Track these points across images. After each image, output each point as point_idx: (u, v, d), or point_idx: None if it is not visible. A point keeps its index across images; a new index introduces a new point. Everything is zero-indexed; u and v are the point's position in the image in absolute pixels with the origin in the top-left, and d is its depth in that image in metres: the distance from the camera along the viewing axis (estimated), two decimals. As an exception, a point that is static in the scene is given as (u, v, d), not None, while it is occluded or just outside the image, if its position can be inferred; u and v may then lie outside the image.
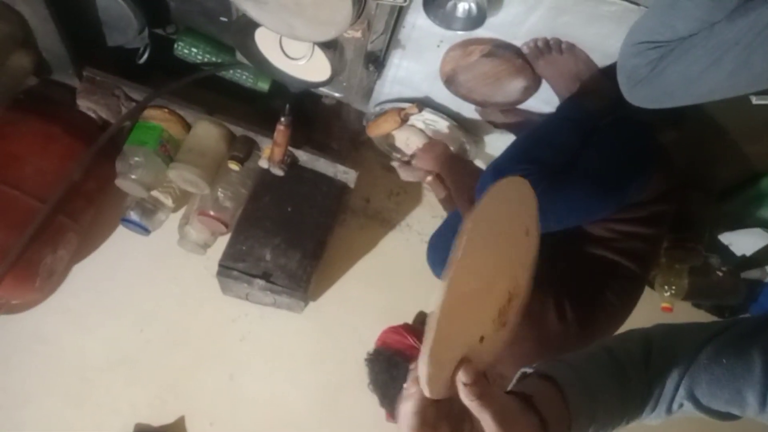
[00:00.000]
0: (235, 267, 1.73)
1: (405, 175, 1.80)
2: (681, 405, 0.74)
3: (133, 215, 1.78)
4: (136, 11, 1.47)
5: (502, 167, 1.25)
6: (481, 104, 1.52)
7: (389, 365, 1.61)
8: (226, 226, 1.78)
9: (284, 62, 1.43)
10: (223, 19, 1.51)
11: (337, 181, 1.86)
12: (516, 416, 0.60)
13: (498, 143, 1.72)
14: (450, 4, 1.18)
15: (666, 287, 1.77)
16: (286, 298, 1.80)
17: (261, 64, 1.46)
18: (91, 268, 1.91)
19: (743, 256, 1.76)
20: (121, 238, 1.92)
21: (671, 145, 1.32)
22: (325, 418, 1.91)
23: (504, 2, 1.18)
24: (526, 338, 1.20)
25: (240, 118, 1.73)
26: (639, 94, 0.99)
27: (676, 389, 0.74)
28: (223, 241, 1.80)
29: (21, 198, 1.57)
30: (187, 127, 1.73)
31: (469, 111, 1.60)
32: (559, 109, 1.36)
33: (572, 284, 1.24)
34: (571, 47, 1.25)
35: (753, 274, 1.84)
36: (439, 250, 1.62)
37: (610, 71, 1.16)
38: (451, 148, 1.70)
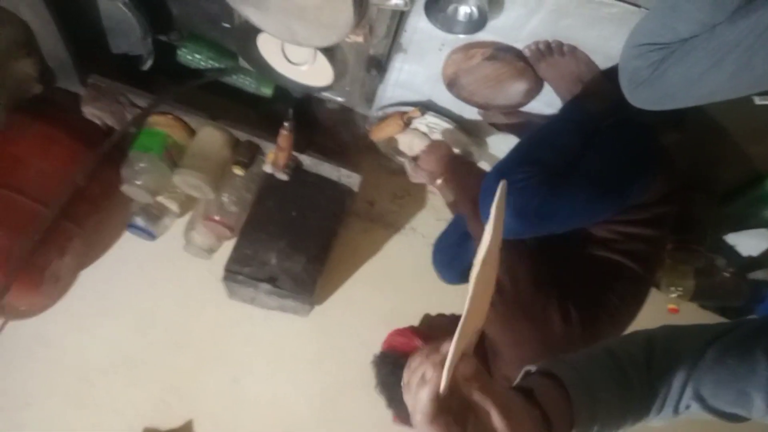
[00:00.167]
0: (241, 271, 1.74)
1: (414, 175, 1.79)
2: (688, 406, 0.74)
3: (139, 221, 1.79)
4: (139, 18, 1.48)
5: (505, 170, 1.24)
6: (483, 107, 1.52)
7: (396, 368, 1.61)
8: (232, 230, 1.79)
9: (287, 67, 1.44)
10: (225, 24, 1.52)
11: (340, 185, 1.87)
12: (519, 408, 0.61)
13: (501, 146, 1.72)
14: (451, 8, 1.18)
15: (672, 288, 1.76)
16: (291, 302, 1.80)
17: (263, 70, 1.46)
18: (97, 272, 1.92)
19: (749, 257, 1.75)
20: (127, 244, 1.93)
21: (673, 147, 1.32)
22: (329, 421, 1.92)
23: (505, 5, 1.18)
24: (530, 341, 1.20)
25: (244, 124, 1.73)
26: (640, 96, 0.99)
27: (683, 390, 0.74)
28: (228, 246, 1.80)
29: (25, 202, 1.59)
30: (192, 132, 1.74)
31: (471, 114, 1.60)
32: (561, 111, 1.36)
33: (576, 286, 1.24)
34: (573, 49, 1.25)
35: (759, 275, 1.83)
36: (444, 253, 1.62)
37: (611, 73, 1.16)
38: (455, 151, 1.70)
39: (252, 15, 1.15)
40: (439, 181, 1.71)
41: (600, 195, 1.19)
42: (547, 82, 1.36)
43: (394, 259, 2.10)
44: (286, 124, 1.58)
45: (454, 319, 1.41)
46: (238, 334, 1.96)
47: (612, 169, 1.21)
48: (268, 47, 1.40)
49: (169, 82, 1.64)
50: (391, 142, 1.82)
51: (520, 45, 1.29)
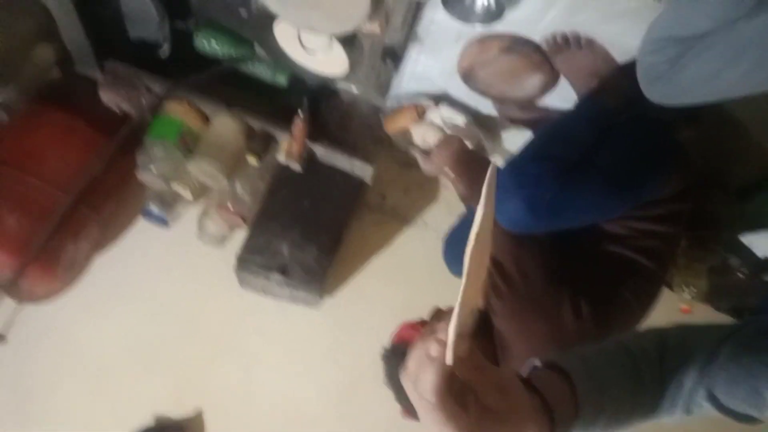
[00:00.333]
0: (253, 260, 1.75)
1: (427, 167, 1.79)
2: (700, 405, 0.74)
3: (153, 207, 1.80)
4: (157, 4, 1.49)
5: (519, 164, 1.24)
6: (498, 100, 1.52)
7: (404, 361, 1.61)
8: (244, 219, 1.80)
9: (303, 55, 1.44)
10: (242, 12, 1.52)
11: (353, 177, 1.87)
12: (517, 388, 0.60)
13: (515, 139, 1.71)
14: (468, -1, 1.18)
15: (684, 288, 1.75)
16: (302, 293, 1.81)
17: (280, 58, 1.47)
18: (111, 259, 1.94)
19: (764, 258, 1.73)
20: (141, 230, 1.94)
21: (690, 143, 1.30)
22: (340, 411, 1.92)
23: (522, -3, 1.17)
24: (540, 336, 1.20)
25: (258, 113, 1.74)
26: (657, 91, 0.98)
27: (695, 388, 0.73)
28: (241, 235, 1.81)
29: (44, 188, 1.60)
30: (207, 121, 1.75)
31: (486, 107, 1.59)
32: (577, 105, 1.35)
33: (588, 282, 1.23)
34: (590, 43, 1.24)
35: (774, 276, 1.81)
36: (455, 247, 1.61)
37: (628, 68, 1.15)
38: (468, 144, 1.70)
39: (269, 2, 1.16)
40: (452, 174, 1.71)
41: (614, 191, 1.18)
42: (564, 75, 1.35)
43: (405, 252, 2.10)
44: (300, 113, 1.58)
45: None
46: (250, 324, 1.97)
47: (626, 165, 1.20)
48: (284, 35, 1.40)
49: (185, 70, 1.65)
50: (405, 133, 1.82)
51: (537, 38, 1.28)
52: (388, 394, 1.64)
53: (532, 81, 1.39)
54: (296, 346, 1.98)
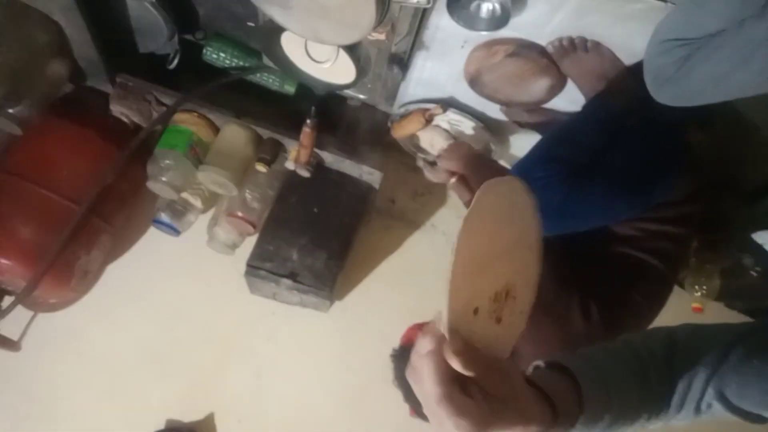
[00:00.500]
0: (263, 267, 1.76)
1: (430, 175, 1.80)
2: (710, 405, 0.73)
3: (164, 216, 1.82)
4: (166, 18, 1.51)
5: (527, 167, 1.24)
6: (506, 104, 1.52)
7: None
8: (254, 226, 1.81)
9: (310, 65, 1.45)
10: (250, 24, 1.54)
11: (362, 182, 1.87)
12: (518, 375, 0.59)
13: (523, 143, 1.71)
14: (474, 5, 1.18)
15: (696, 287, 1.74)
16: (312, 298, 1.82)
17: (287, 68, 1.48)
18: (123, 268, 1.96)
19: (778, 257, 1.72)
20: (152, 239, 1.96)
21: (700, 145, 1.30)
22: (351, 415, 1.93)
23: (528, 2, 1.18)
24: (550, 339, 1.20)
25: (267, 121, 1.75)
26: (666, 93, 0.98)
27: (704, 389, 0.73)
28: (251, 242, 1.82)
29: (57, 201, 1.62)
30: (216, 130, 1.76)
31: (494, 111, 1.60)
32: (585, 108, 1.35)
33: (598, 284, 1.23)
34: (597, 46, 1.24)
35: (788, 275, 1.80)
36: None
37: (636, 70, 1.15)
38: (476, 148, 1.70)
39: (276, 14, 1.17)
40: (453, 180, 1.71)
41: (623, 193, 1.18)
42: (571, 79, 1.35)
43: (415, 256, 2.11)
44: (308, 121, 1.59)
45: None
46: (261, 329, 1.98)
47: (636, 167, 1.20)
48: (291, 46, 1.41)
49: (194, 81, 1.66)
50: (413, 139, 1.82)
51: (543, 41, 1.29)
52: (399, 397, 1.65)
53: (539, 85, 1.39)
54: (306, 351, 1.98)
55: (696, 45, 0.89)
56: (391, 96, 1.60)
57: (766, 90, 0.86)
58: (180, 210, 1.83)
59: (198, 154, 1.71)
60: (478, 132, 1.66)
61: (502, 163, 1.81)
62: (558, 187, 1.15)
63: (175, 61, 1.65)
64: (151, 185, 1.70)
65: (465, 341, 0.55)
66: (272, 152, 1.73)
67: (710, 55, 0.87)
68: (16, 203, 1.61)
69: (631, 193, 1.19)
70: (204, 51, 1.66)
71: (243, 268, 1.77)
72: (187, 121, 1.70)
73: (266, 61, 1.52)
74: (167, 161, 1.66)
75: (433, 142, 1.76)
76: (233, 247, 1.88)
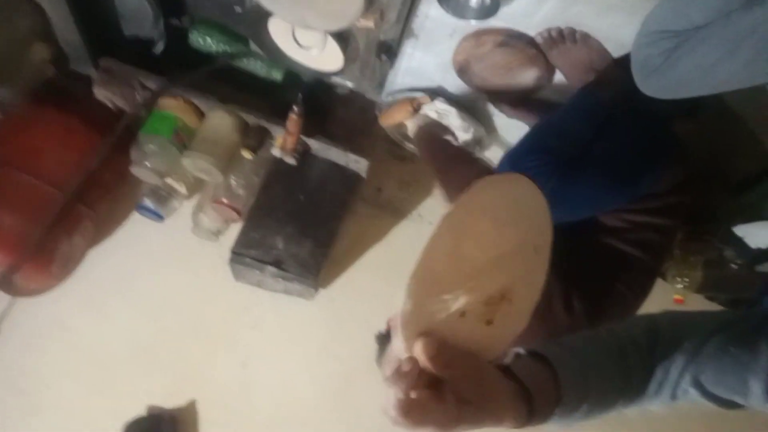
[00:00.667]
0: (248, 254, 1.75)
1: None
2: (686, 391, 0.75)
3: (148, 202, 1.80)
4: (152, 3, 1.49)
5: (516, 158, 1.25)
6: (494, 94, 1.52)
7: None
8: (239, 213, 1.80)
9: (297, 52, 1.44)
10: (236, 9, 1.52)
11: (348, 171, 1.87)
12: (492, 376, 0.60)
13: (512, 133, 1.71)
14: (463, -6, 1.18)
15: (679, 279, 1.76)
16: (297, 286, 1.81)
17: (274, 54, 1.46)
18: (107, 254, 1.94)
19: (758, 249, 1.74)
20: (136, 226, 1.94)
21: (687, 136, 1.31)
22: (336, 403, 1.93)
23: (517, -8, 1.17)
24: (533, 333, 1.20)
25: (253, 108, 1.74)
26: (653, 85, 0.98)
27: (681, 376, 0.74)
28: (235, 229, 1.81)
29: (39, 186, 1.60)
30: (201, 116, 1.74)
31: (482, 101, 1.60)
32: (573, 99, 1.36)
33: (582, 276, 1.24)
34: (585, 37, 1.24)
35: (767, 267, 1.82)
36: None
37: (624, 61, 1.16)
38: (460, 136, 1.69)
39: (263, 0, 1.15)
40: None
41: (612, 183, 1.19)
42: (559, 69, 1.36)
43: (401, 245, 2.11)
44: (295, 108, 1.58)
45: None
46: (245, 317, 1.98)
47: (624, 158, 1.20)
48: (278, 31, 1.40)
49: (180, 67, 1.64)
50: (400, 128, 1.82)
51: (531, 32, 1.29)
52: (383, 384, 1.65)
53: (528, 75, 1.39)
54: (291, 339, 1.98)
55: (683, 37, 0.89)
56: (379, 84, 1.59)
57: (752, 83, 0.86)
58: (164, 196, 1.81)
59: (183, 139, 1.69)
60: (466, 121, 1.66)
61: (492, 151, 1.81)
62: (548, 177, 1.15)
63: (161, 46, 1.63)
64: (135, 170, 1.69)
65: (440, 343, 0.55)
66: (258, 139, 1.72)
67: (696, 47, 0.87)
68: (-3, 188, 1.59)
69: (620, 183, 1.20)
70: (190, 36, 1.64)
71: (228, 255, 1.76)
72: (172, 107, 1.68)
73: (253, 47, 1.50)
74: (151, 146, 1.65)
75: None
76: (218, 234, 1.87)
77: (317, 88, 1.73)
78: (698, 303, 2.00)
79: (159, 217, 1.83)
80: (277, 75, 1.73)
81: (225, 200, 1.76)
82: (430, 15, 1.30)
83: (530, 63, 1.34)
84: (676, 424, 1.81)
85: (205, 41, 1.64)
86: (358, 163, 1.83)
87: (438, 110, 1.66)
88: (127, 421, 1.80)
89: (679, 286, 1.76)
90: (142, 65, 1.66)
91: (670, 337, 0.76)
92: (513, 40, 1.30)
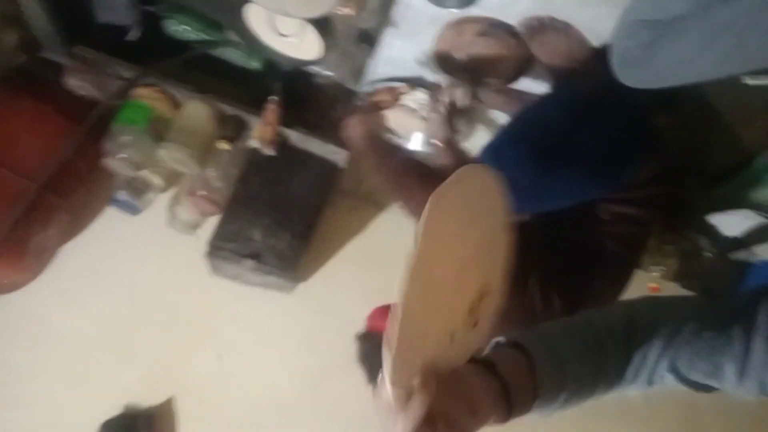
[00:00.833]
0: (225, 247, 1.73)
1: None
2: (662, 377, 0.77)
3: (123, 195, 1.77)
4: (125, -13, 1.45)
5: (496, 148, 1.24)
6: (474, 84, 1.52)
7: (376, 348, 1.60)
8: (217, 206, 1.77)
9: (276, 39, 1.42)
10: (213, -5, 1.49)
11: (328, 162, 1.85)
12: (473, 389, 0.63)
13: (492, 123, 1.71)
14: (444, -18, 1.17)
15: (655, 267, 1.79)
16: (275, 279, 1.80)
17: (252, 42, 1.44)
18: (81, 247, 1.90)
19: (731, 238, 1.77)
20: (111, 218, 1.90)
21: (666, 128, 1.32)
22: (314, 397, 1.92)
23: (498, -19, 1.17)
24: (512, 323, 1.21)
25: (230, 98, 1.71)
26: (631, 75, 0.98)
27: (658, 362, 0.76)
28: (213, 221, 1.79)
29: (10, 176, 1.56)
30: (178, 106, 1.72)
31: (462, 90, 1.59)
32: (553, 89, 1.36)
33: (561, 272, 1.24)
34: (566, 27, 1.25)
35: (741, 255, 1.86)
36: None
37: (603, 52, 1.16)
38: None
39: (241, -16, 1.13)
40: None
41: (591, 174, 1.19)
42: (539, 59, 1.36)
43: (380, 238, 2.10)
44: (273, 98, 1.56)
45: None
46: (224, 311, 1.95)
47: (603, 148, 1.21)
48: (257, 19, 1.38)
49: (155, 55, 1.61)
50: (380, 119, 1.81)
51: (512, 21, 1.29)
52: (362, 379, 1.65)
53: (508, 64, 1.39)
54: (269, 332, 1.97)
55: (662, 28, 0.89)
56: (359, 74, 1.58)
57: (729, 74, 0.87)
58: (139, 188, 1.78)
59: (158, 130, 1.66)
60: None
61: (474, 140, 1.80)
62: (528, 167, 1.15)
63: (136, 34, 1.59)
64: (109, 162, 1.65)
65: (432, 380, 0.57)
66: (236, 130, 1.70)
67: (676, 37, 0.87)
68: (-35, 179, 1.54)
69: (599, 174, 1.20)
70: (167, 23, 1.60)
71: (205, 248, 1.73)
72: (147, 96, 1.65)
73: (231, 35, 1.48)
74: (125, 137, 1.62)
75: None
76: (195, 226, 1.85)
77: (296, 78, 1.71)
78: (674, 291, 2.03)
79: (135, 209, 1.80)
80: (255, 64, 1.70)
81: (202, 192, 1.73)
82: (411, 3, 1.29)
83: (511, 52, 1.34)
84: (651, 414, 1.84)
85: (181, 28, 1.60)
86: (336, 154, 1.82)
87: (418, 100, 1.65)
88: (103, 421, 1.77)
89: (655, 274, 1.79)
90: (116, 53, 1.63)
91: (646, 324, 0.77)
92: (494, 29, 1.30)
